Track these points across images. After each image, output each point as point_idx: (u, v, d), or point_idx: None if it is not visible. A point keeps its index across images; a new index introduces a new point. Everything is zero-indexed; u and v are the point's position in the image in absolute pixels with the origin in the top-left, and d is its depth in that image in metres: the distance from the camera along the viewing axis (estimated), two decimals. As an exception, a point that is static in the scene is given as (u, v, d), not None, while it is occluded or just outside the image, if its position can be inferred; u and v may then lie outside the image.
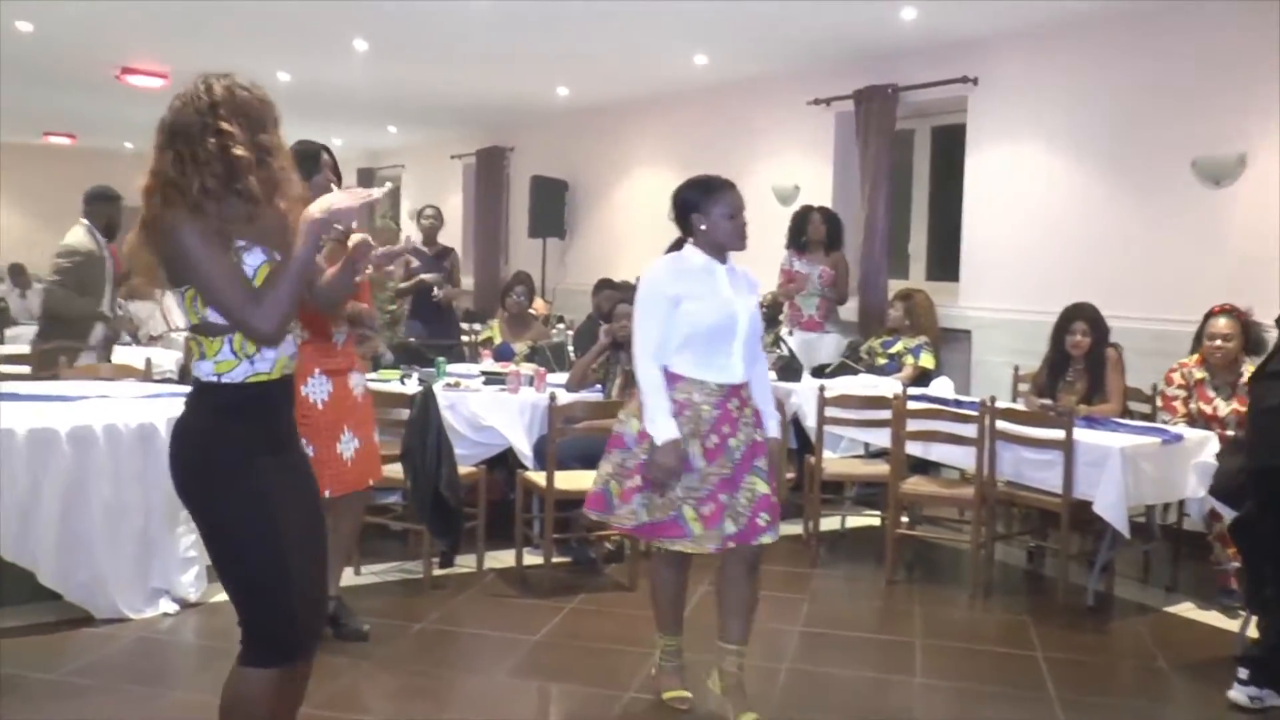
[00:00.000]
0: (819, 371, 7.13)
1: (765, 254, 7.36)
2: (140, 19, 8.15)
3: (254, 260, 2.54)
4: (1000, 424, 5.29)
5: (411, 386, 5.82)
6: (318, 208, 2.54)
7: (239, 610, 2.59)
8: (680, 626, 4.00)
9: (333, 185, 4.20)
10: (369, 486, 4.48)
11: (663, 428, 3.57)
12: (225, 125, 2.48)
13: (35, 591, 4.57)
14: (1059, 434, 5.04)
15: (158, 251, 2.51)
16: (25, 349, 7.16)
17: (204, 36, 8.61)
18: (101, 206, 6.70)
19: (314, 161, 4.22)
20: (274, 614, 2.57)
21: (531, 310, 7.83)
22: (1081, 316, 5.71)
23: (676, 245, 3.94)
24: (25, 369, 6.55)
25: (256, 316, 2.46)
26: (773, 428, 3.84)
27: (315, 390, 4.24)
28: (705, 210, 3.71)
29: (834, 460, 6.35)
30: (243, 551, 2.55)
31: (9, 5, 7.73)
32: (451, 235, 12.35)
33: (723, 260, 3.77)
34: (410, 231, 9.39)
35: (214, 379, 2.56)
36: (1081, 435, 5.07)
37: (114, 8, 7.73)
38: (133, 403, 5.04)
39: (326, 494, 4.19)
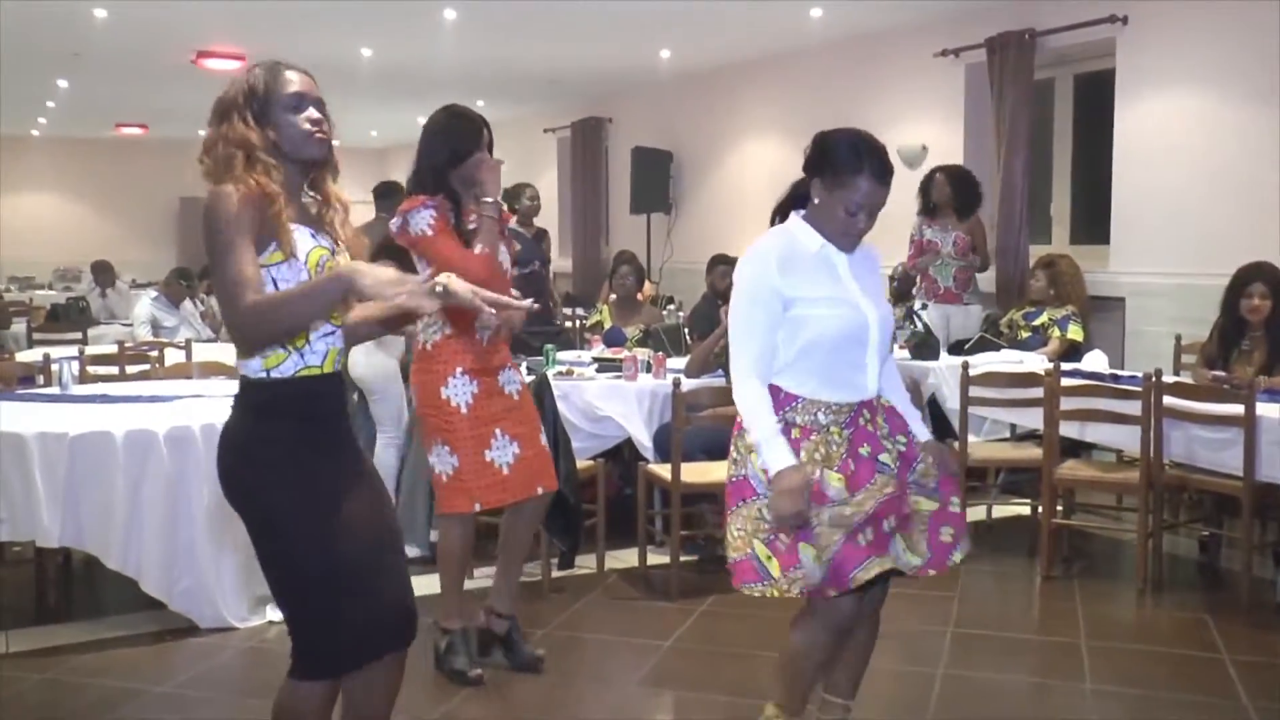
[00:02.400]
0: (956, 348, 7.00)
1: (891, 222, 7.20)
2: (218, -2, 8.32)
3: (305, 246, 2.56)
4: (1168, 400, 5.14)
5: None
6: (442, 280, 2.39)
7: (285, 619, 2.62)
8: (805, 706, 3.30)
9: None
10: (540, 494, 4.20)
11: (776, 453, 2.92)
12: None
13: (138, 600, 4.70)
14: (1238, 409, 4.86)
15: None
16: (112, 349, 7.36)
17: (283, 13, 8.75)
18: (393, 201, 6.80)
19: (475, 138, 4.02)
20: (318, 625, 2.58)
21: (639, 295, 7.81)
22: (1260, 278, 5.49)
23: (783, 209, 3.20)
24: (115, 369, 6.74)
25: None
26: (922, 430, 3.20)
27: (457, 392, 4.01)
28: (829, 187, 3.03)
29: (979, 444, 6.24)
30: (290, 557, 2.56)
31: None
32: (548, 215, 12.40)
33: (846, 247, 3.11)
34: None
35: (263, 375, 2.57)
36: (1265, 410, 4.88)
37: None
38: (227, 401, 5.11)
39: (477, 506, 4.08)
